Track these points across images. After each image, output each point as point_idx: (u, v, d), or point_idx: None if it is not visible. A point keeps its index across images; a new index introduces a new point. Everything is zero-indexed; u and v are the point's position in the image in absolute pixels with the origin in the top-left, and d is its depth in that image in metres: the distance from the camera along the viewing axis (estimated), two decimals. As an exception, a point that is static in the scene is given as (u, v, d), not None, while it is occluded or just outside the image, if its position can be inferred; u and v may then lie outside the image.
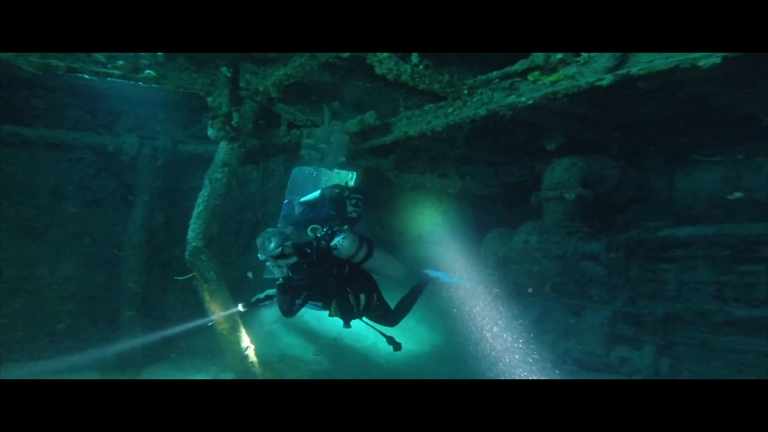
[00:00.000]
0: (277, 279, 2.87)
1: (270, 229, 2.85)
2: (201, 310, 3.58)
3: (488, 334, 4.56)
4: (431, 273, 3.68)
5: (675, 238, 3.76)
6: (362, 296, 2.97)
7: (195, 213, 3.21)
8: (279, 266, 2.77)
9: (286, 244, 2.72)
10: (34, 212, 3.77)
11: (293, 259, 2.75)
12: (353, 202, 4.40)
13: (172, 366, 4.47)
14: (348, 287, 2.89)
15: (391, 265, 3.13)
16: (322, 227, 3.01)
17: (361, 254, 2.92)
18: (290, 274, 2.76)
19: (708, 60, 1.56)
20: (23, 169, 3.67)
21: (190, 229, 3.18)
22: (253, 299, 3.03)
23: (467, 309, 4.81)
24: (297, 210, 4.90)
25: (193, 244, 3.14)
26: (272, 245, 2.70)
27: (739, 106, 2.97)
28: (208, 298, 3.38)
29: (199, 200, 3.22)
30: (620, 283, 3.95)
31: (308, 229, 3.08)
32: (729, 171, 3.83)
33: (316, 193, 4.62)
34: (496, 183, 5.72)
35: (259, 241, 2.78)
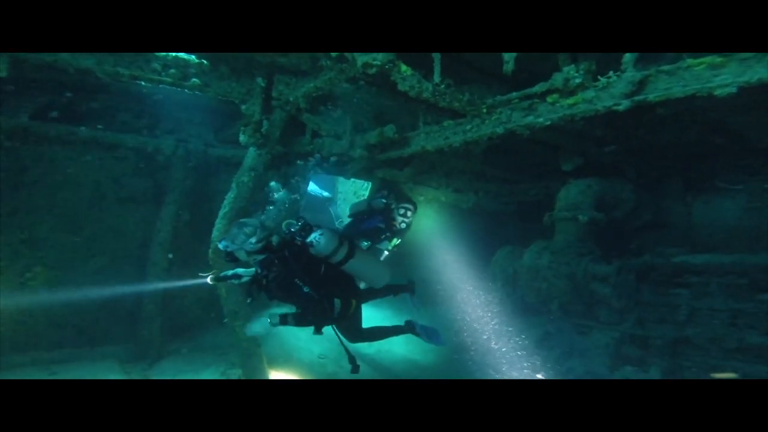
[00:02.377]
0: (239, 277, 2.68)
1: (248, 219, 2.56)
2: (216, 307, 3.72)
3: (493, 346, 4.52)
4: (421, 326, 3.33)
5: (690, 265, 3.72)
6: (337, 301, 2.64)
7: (221, 213, 3.38)
8: (248, 262, 2.51)
9: (272, 238, 2.44)
10: (77, 207, 4.02)
11: (263, 255, 2.46)
12: (401, 212, 4.15)
13: (184, 360, 4.61)
14: (321, 290, 2.53)
15: (373, 270, 2.81)
16: (314, 228, 2.66)
17: (340, 255, 2.60)
18: (259, 271, 2.50)
19: (724, 90, 1.62)
20: (73, 167, 3.94)
21: (215, 229, 3.34)
22: (222, 274, 2.79)
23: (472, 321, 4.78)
24: (344, 223, 4.64)
25: (217, 242, 3.28)
26: (254, 239, 2.41)
27: (764, 135, 2.97)
28: (225, 295, 3.51)
29: (226, 201, 3.40)
30: (630, 306, 3.90)
31: (283, 224, 2.77)
32: (751, 200, 3.79)
33: (363, 205, 4.44)
34: (510, 200, 5.76)
35: (234, 231, 2.47)
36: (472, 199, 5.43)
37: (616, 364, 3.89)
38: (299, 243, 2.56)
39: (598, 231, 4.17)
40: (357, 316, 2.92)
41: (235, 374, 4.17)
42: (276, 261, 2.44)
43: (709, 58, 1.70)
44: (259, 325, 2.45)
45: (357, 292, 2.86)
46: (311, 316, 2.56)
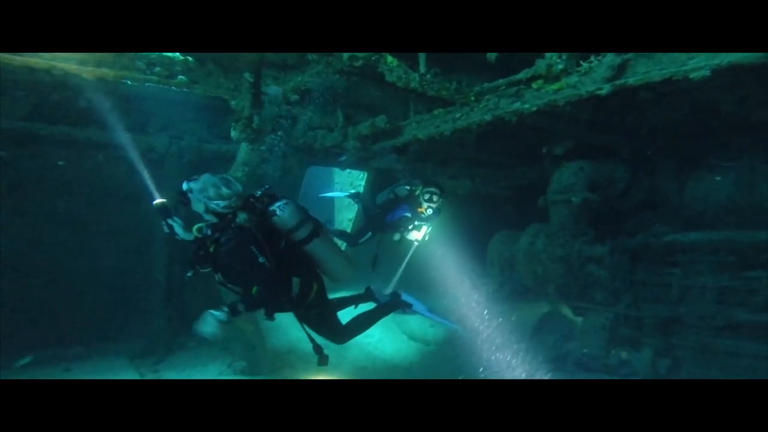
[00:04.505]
0: (170, 229, 2.30)
1: (234, 181, 2.24)
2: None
3: (488, 333, 4.63)
4: (405, 297, 3.06)
5: (680, 243, 3.77)
6: (295, 279, 2.29)
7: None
8: (200, 215, 2.19)
9: (240, 214, 2.10)
10: (77, 207, 4.12)
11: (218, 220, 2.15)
12: (427, 197, 3.82)
13: (192, 354, 4.78)
14: (278, 266, 2.16)
15: (338, 258, 2.47)
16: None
17: (304, 231, 2.28)
18: (209, 233, 2.13)
19: (698, 73, 1.64)
20: (70, 167, 4.01)
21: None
22: (161, 204, 2.41)
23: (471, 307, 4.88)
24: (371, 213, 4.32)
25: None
26: (222, 203, 2.12)
27: (748, 113, 2.98)
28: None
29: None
30: (624, 287, 3.98)
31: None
32: (742, 177, 3.80)
33: (388, 194, 4.12)
34: (506, 185, 5.78)
35: (210, 179, 2.16)
36: (468, 185, 5.46)
37: (611, 345, 3.99)
38: (260, 210, 2.23)
39: (593, 212, 4.20)
40: (325, 305, 2.57)
41: (240, 366, 4.33)
42: (232, 226, 2.12)
43: (685, 41, 1.72)
44: (208, 324, 2.00)
45: (320, 279, 2.49)
46: (265, 294, 2.16)
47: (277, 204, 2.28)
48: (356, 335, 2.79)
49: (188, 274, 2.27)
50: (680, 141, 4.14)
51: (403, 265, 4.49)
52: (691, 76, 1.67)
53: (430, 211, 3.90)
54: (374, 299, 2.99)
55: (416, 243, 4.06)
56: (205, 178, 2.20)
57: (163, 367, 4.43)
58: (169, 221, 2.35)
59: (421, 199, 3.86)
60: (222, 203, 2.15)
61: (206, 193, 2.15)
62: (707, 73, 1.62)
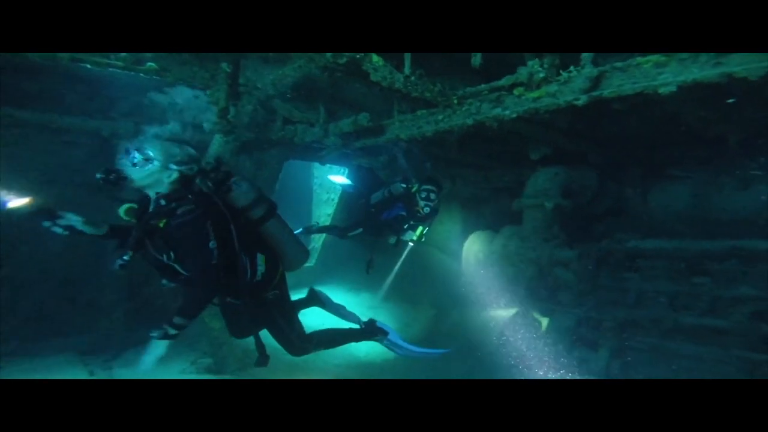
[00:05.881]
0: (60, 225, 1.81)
1: (188, 146, 1.99)
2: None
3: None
4: (381, 325, 2.81)
5: (640, 250, 4.02)
6: (260, 257, 2.10)
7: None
8: (152, 185, 1.86)
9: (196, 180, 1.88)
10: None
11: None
12: (423, 195, 3.64)
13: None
14: (239, 244, 1.96)
15: (294, 241, 2.28)
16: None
17: (260, 210, 2.11)
18: (162, 203, 1.85)
19: (666, 88, 1.74)
20: (17, 150, 3.68)
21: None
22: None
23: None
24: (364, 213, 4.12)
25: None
26: (193, 165, 1.89)
27: (708, 126, 3.21)
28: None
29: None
30: (588, 290, 4.19)
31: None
32: (698, 188, 4.09)
33: (384, 193, 3.91)
34: (485, 186, 5.92)
35: (166, 144, 1.89)
36: (447, 185, 5.54)
37: (573, 345, 4.20)
38: (217, 181, 2.01)
39: (565, 217, 4.39)
40: (286, 302, 2.32)
41: (205, 363, 4.16)
42: (189, 197, 1.86)
43: (656, 57, 1.82)
44: (153, 353, 1.82)
45: (281, 264, 2.25)
46: (223, 281, 1.91)
47: (232, 179, 2.07)
48: (317, 350, 2.46)
49: (120, 263, 1.86)
50: (646, 151, 4.39)
51: (397, 266, 4.36)
52: (660, 90, 1.77)
53: (427, 210, 3.69)
54: (320, 303, 2.76)
55: (411, 243, 3.90)
56: (155, 141, 1.89)
57: (118, 364, 4.13)
58: (60, 222, 1.84)
59: (418, 197, 3.66)
60: (186, 167, 1.89)
61: (173, 156, 1.86)
62: (674, 89, 1.72)
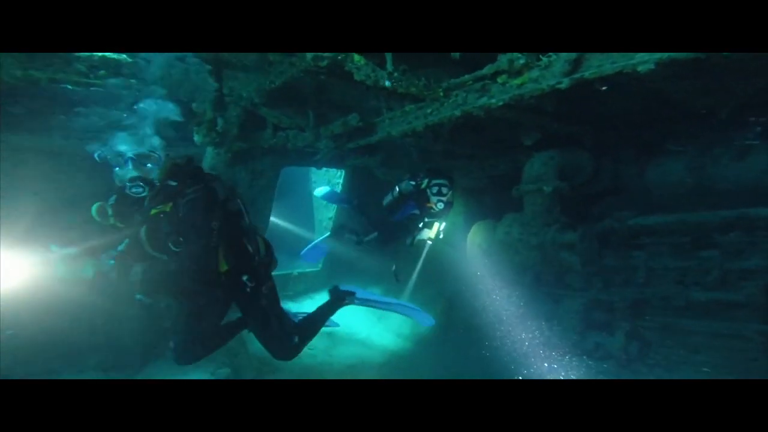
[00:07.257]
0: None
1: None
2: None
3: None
4: (345, 287, 2.86)
5: (642, 227, 3.98)
6: (259, 239, 2.22)
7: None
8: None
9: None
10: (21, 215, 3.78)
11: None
12: (435, 190, 3.53)
13: (170, 363, 4.59)
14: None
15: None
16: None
17: (235, 205, 2.19)
18: (173, 184, 1.93)
19: (644, 66, 1.74)
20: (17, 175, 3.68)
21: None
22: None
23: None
24: (375, 213, 4.03)
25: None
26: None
27: (694, 101, 3.18)
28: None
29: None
30: (594, 271, 4.17)
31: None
32: (692, 161, 4.05)
33: (392, 194, 3.77)
34: (482, 176, 5.90)
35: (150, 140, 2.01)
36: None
37: (585, 330, 4.17)
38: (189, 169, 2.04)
39: (564, 200, 4.37)
40: (275, 295, 2.31)
41: (224, 373, 4.23)
42: (189, 180, 1.92)
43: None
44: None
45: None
46: (232, 261, 1.95)
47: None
48: (305, 344, 2.44)
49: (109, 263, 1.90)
50: (638, 129, 4.36)
51: (418, 266, 4.23)
52: (639, 69, 1.76)
53: (440, 206, 3.56)
54: (350, 297, 2.81)
55: (429, 242, 3.72)
56: (142, 139, 2.08)
57: (142, 378, 4.27)
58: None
59: (429, 193, 3.53)
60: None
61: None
62: (652, 66, 1.72)
